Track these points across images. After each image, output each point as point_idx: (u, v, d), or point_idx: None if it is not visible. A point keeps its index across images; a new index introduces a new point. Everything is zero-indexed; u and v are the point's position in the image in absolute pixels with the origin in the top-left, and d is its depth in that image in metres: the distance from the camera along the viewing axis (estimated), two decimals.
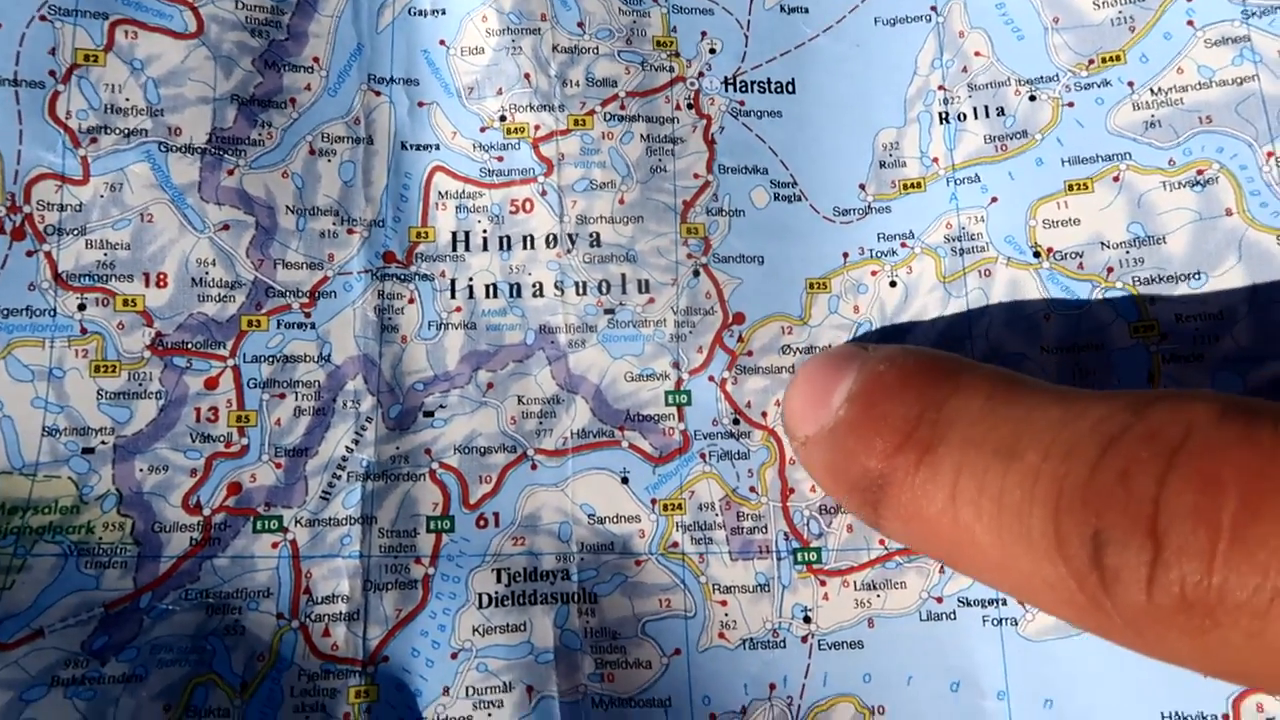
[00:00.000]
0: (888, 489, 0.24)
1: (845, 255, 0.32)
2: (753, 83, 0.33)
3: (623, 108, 0.32)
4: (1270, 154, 0.30)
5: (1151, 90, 0.31)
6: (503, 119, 0.32)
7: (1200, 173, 0.30)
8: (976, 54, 0.33)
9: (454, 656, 0.29)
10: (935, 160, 0.32)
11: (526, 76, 0.32)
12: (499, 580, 0.30)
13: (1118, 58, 0.32)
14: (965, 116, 0.32)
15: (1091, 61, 0.32)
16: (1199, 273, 0.30)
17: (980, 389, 0.24)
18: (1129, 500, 0.20)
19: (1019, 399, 0.24)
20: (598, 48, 0.33)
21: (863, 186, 0.32)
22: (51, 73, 0.30)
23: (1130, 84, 0.31)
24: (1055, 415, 0.23)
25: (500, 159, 0.32)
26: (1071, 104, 0.32)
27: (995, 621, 0.30)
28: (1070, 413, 0.22)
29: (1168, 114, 0.31)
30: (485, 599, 0.30)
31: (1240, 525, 0.19)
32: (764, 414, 0.31)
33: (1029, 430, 0.23)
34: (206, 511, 0.29)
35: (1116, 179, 0.31)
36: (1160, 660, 0.25)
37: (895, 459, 0.24)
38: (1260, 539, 0.19)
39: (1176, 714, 0.28)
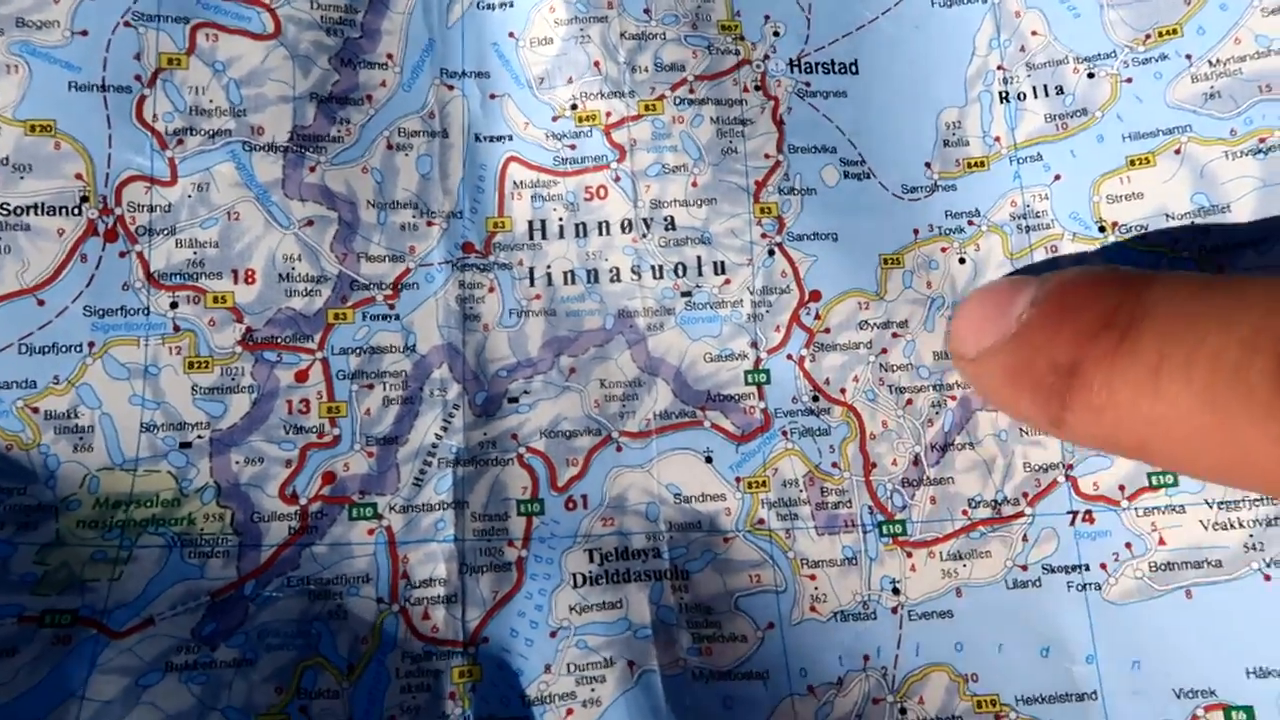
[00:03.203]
0: (1079, 378, 0.23)
1: (915, 232, 0.32)
2: (817, 64, 0.33)
3: (691, 91, 0.32)
4: None
5: (1210, 62, 0.31)
6: (574, 107, 0.32)
7: (1263, 140, 0.30)
8: (1033, 33, 0.33)
9: (553, 635, 0.29)
10: (997, 139, 0.33)
11: (596, 64, 0.32)
12: (591, 560, 0.30)
13: (1174, 31, 0.32)
14: (1025, 95, 0.33)
15: (1148, 36, 0.32)
16: (1265, 238, 0.30)
17: (1181, 278, 0.23)
18: None
19: (1224, 282, 0.23)
20: (665, 33, 0.33)
21: (928, 165, 0.33)
22: (137, 77, 0.30)
23: (1188, 57, 0.31)
24: (1270, 288, 0.22)
25: (573, 147, 0.32)
26: (1130, 79, 0.32)
27: (1079, 587, 0.30)
28: None
29: (1227, 84, 0.31)
30: (579, 578, 0.30)
31: None
32: (843, 390, 0.31)
33: (1243, 302, 0.22)
34: (303, 501, 0.29)
35: (1178, 151, 0.31)
36: None
37: (1090, 345, 0.23)
38: None
39: (1260, 669, 0.29)
